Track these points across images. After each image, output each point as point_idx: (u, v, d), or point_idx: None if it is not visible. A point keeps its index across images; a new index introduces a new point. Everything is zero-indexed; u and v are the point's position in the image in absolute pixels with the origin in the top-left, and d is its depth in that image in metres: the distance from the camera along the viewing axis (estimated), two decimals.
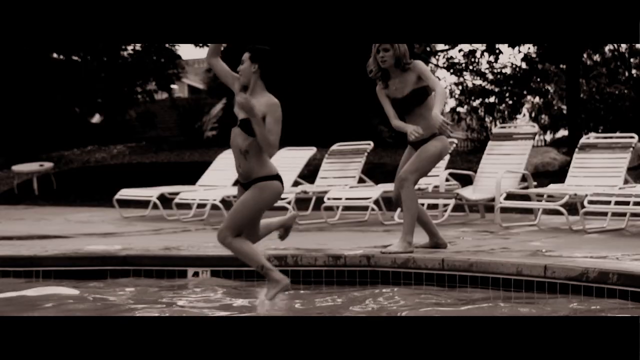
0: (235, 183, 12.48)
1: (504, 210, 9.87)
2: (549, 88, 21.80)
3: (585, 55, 20.80)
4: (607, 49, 21.77)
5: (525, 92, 21.77)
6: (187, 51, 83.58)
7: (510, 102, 21.70)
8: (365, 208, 10.73)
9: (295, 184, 11.96)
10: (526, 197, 9.85)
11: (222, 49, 6.32)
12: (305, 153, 12.48)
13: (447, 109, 20.65)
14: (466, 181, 10.98)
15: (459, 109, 22.93)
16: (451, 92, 22.48)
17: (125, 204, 12.53)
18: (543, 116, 22.02)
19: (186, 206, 11.72)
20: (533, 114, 22.29)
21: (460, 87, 22.01)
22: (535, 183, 10.38)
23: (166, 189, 12.36)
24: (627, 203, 8.73)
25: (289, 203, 10.82)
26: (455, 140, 12.01)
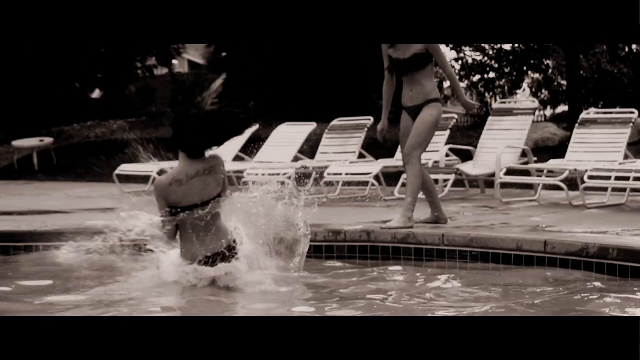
0: (234, 158, 12.52)
1: (503, 185, 9.87)
2: (549, 63, 21.70)
3: None
4: None
5: (525, 68, 21.68)
6: None
7: (510, 77, 21.62)
8: (365, 183, 10.73)
9: (295, 159, 11.95)
10: (526, 172, 9.85)
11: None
12: (305, 128, 12.47)
13: (446, 84, 20.57)
14: (466, 156, 10.97)
15: None
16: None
17: (125, 179, 12.53)
18: (543, 91, 21.94)
19: None
20: (533, 89, 22.21)
21: (459, 62, 21.90)
22: (535, 158, 10.38)
23: (166, 164, 12.34)
24: (627, 178, 8.73)
25: (289, 178, 10.82)
26: (456, 115, 12.01)
